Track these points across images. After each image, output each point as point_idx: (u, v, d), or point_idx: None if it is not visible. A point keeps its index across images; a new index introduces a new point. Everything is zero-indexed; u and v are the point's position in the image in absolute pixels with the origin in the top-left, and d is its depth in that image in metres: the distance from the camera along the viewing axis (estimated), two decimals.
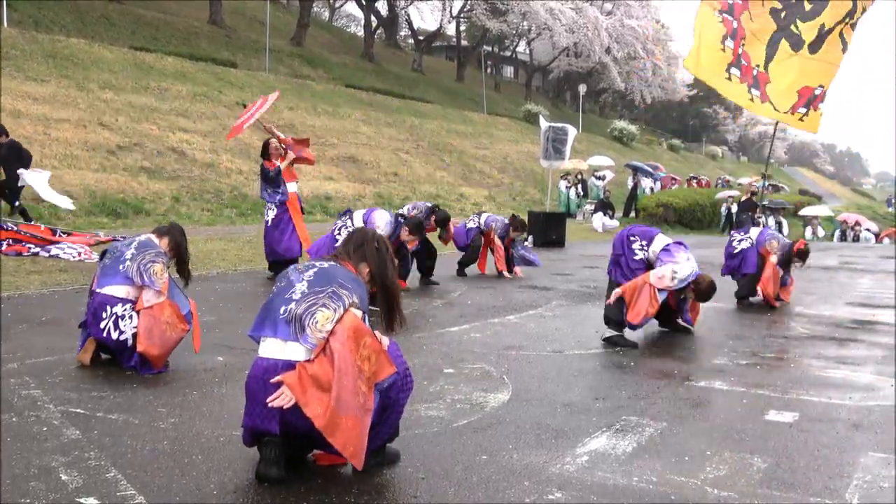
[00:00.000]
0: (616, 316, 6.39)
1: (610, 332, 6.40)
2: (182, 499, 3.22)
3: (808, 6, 8.49)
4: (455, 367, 5.55)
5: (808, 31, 8.51)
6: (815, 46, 8.44)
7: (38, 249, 10.07)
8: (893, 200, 49.84)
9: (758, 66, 8.56)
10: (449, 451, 3.87)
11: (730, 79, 8.68)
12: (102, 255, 5.49)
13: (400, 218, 9.13)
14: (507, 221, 10.75)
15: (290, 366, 3.28)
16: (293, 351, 3.31)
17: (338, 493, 3.31)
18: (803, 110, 8.46)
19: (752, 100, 8.82)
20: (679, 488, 3.47)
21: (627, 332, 6.49)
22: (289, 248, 9.48)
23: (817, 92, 8.38)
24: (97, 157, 16.65)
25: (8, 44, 20.13)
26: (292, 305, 3.33)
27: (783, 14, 8.62)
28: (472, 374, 5.37)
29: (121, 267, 5.19)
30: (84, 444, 3.78)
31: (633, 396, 4.98)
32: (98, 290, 5.20)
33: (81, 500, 3.18)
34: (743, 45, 8.64)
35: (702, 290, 6.62)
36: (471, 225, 10.84)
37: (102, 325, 5.10)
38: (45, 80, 19.22)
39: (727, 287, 9.28)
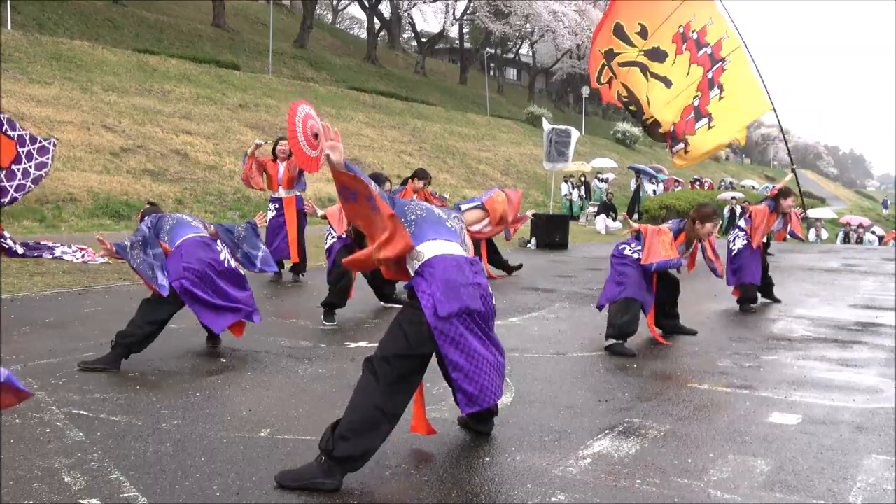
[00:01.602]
0: (622, 327, 6.35)
1: (611, 342, 6.37)
2: (185, 500, 3.22)
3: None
4: None
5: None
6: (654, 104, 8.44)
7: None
8: (890, 202, 49.75)
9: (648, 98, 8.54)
10: (453, 452, 3.87)
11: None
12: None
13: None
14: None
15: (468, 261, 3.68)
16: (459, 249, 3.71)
17: (341, 495, 3.32)
18: (680, 146, 8.43)
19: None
20: (682, 491, 3.47)
21: (636, 332, 6.48)
22: (276, 250, 9.48)
23: (672, 129, 8.33)
24: (101, 159, 16.68)
25: (11, 46, 20.19)
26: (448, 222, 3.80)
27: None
28: None
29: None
30: (87, 446, 3.79)
31: (636, 399, 4.98)
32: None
33: (84, 502, 3.18)
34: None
35: (705, 213, 6.62)
36: None
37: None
38: (48, 83, 19.26)
39: (729, 290, 9.28)
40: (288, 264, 9.97)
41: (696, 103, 8.10)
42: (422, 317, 3.48)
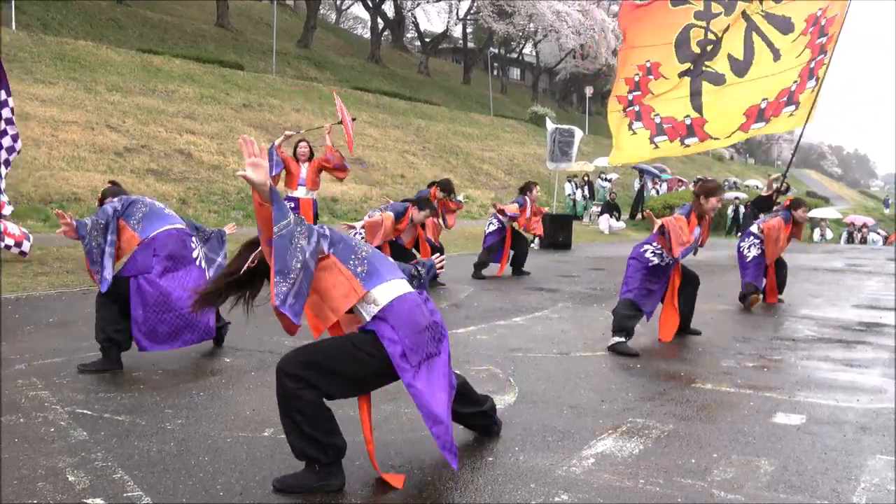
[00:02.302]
0: (625, 324, 6.36)
1: (616, 340, 6.36)
2: (189, 500, 3.23)
3: (708, 46, 8.45)
4: (461, 368, 5.54)
5: (720, 63, 8.47)
6: (740, 71, 8.40)
7: None
8: (891, 201, 49.61)
9: (687, 115, 8.53)
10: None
11: (635, 133, 8.66)
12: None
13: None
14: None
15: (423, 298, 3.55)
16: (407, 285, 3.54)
17: (343, 494, 3.32)
18: (758, 125, 8.47)
19: (681, 143, 8.76)
20: (686, 491, 3.47)
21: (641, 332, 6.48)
22: None
23: (763, 106, 8.34)
24: (105, 158, 16.71)
25: (16, 46, 20.23)
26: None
27: (693, 66, 8.56)
28: (478, 375, 5.36)
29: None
30: (91, 446, 3.80)
31: (640, 398, 4.97)
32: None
33: (88, 501, 3.19)
34: (642, 102, 8.60)
35: (708, 187, 6.66)
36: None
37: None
38: (52, 83, 19.30)
39: (734, 289, 9.27)
40: None
41: (793, 88, 8.11)
42: (383, 353, 3.31)
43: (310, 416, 3.27)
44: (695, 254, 7.21)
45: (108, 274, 5.18)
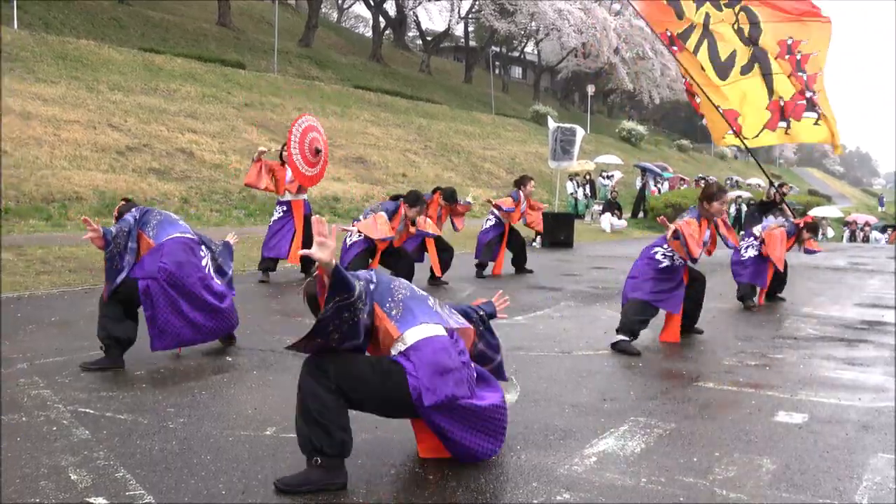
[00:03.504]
0: (634, 326, 6.35)
1: (620, 337, 6.35)
2: (191, 499, 3.23)
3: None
4: None
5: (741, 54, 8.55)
6: (749, 66, 8.49)
7: None
8: (886, 200, 49.54)
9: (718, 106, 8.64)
10: None
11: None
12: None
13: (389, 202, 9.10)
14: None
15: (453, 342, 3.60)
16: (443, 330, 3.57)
17: (346, 495, 3.32)
18: (783, 124, 8.54)
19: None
20: (688, 489, 3.47)
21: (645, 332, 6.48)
22: (274, 247, 9.58)
23: (782, 103, 8.41)
24: (106, 157, 16.72)
25: (18, 45, 20.25)
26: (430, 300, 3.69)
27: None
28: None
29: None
30: (93, 444, 3.80)
31: (642, 397, 4.97)
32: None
33: (91, 500, 3.19)
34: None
35: (709, 192, 6.63)
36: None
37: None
38: (54, 82, 19.31)
39: (735, 289, 9.26)
40: (282, 265, 10.07)
41: (808, 95, 8.26)
42: (405, 384, 3.40)
43: (325, 404, 3.32)
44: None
45: (119, 279, 5.30)
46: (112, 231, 5.34)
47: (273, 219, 9.76)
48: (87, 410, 4.32)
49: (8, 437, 3.86)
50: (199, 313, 5.44)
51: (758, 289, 9.12)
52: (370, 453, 3.75)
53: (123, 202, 5.87)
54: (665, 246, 6.54)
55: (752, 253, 8.99)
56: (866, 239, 25.81)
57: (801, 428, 4.41)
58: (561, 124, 19.22)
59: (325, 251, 3.06)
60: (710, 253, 6.94)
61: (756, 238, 9.06)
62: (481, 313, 4.05)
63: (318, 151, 9.44)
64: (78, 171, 15.43)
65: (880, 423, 4.53)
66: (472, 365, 3.68)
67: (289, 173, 9.64)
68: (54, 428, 4.02)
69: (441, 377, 3.41)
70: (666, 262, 6.51)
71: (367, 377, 3.39)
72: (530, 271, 11.37)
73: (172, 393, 4.73)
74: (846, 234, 26.78)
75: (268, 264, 9.62)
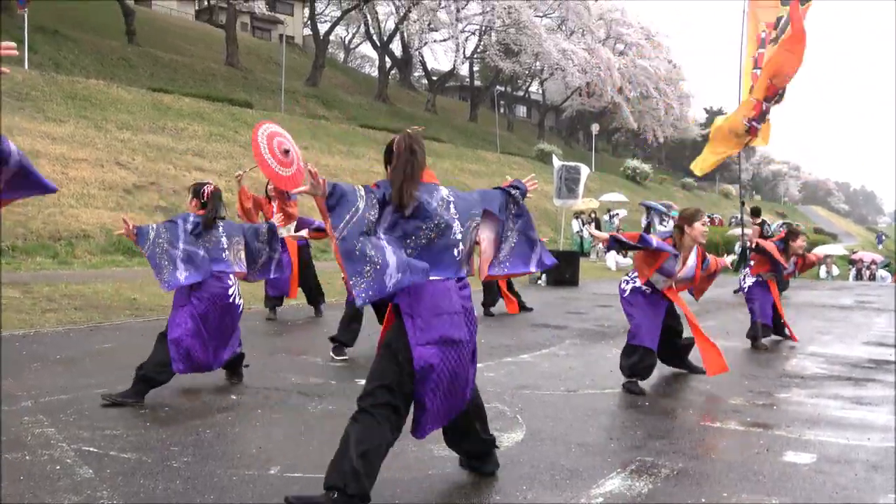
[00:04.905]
0: (630, 367, 6.28)
1: (628, 380, 6.27)
2: None
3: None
4: None
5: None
6: None
7: None
8: (885, 237, 49.33)
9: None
10: (463, 491, 3.84)
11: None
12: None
13: None
14: None
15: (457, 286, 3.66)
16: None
17: None
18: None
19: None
20: None
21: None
22: (276, 285, 9.51)
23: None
24: (114, 195, 16.83)
25: (28, 85, 20.48)
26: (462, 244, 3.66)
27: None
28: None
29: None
30: (97, 483, 3.78)
31: (649, 437, 4.94)
32: None
33: None
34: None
35: (687, 214, 6.38)
36: None
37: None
38: (63, 121, 19.50)
39: (741, 326, 9.22)
40: (292, 300, 10.06)
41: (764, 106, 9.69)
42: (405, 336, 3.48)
43: (365, 434, 3.36)
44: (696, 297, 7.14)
45: (180, 275, 5.41)
46: (148, 230, 5.50)
47: None
48: (91, 449, 4.31)
49: (11, 475, 3.84)
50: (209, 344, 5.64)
51: (784, 329, 9.00)
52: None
53: (215, 188, 6.05)
54: (629, 274, 6.51)
55: (749, 282, 8.95)
56: (872, 277, 25.71)
57: (810, 468, 4.37)
58: (566, 163, 19.30)
59: (315, 189, 3.32)
60: (700, 292, 6.90)
61: (749, 265, 9.10)
62: (513, 191, 4.25)
63: (286, 152, 8.99)
64: (85, 209, 15.52)
65: (890, 464, 4.49)
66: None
67: (275, 207, 9.32)
68: (58, 467, 4.00)
69: (437, 318, 3.52)
70: (628, 289, 6.41)
71: (380, 357, 3.56)
72: (530, 309, 11.31)
73: (177, 431, 4.71)
74: (852, 272, 26.68)
75: (274, 302, 9.64)
